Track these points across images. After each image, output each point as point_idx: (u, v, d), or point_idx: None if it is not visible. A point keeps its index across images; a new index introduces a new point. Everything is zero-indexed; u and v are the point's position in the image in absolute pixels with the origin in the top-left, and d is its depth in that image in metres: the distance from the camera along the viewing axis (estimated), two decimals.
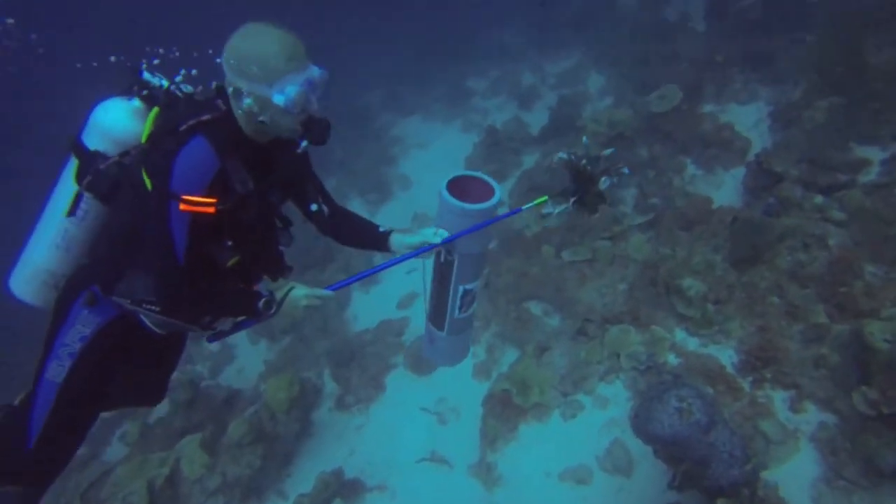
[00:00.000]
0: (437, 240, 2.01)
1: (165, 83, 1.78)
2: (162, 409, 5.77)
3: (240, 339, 6.66)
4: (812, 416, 3.34)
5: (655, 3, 8.89)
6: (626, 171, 2.11)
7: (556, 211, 2.12)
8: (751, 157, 5.26)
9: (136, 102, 1.77)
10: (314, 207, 2.02)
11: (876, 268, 3.74)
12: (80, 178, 1.73)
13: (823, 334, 3.55)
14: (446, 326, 2.35)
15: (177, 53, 1.94)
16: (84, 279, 1.79)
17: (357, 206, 8.13)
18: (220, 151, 1.59)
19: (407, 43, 12.59)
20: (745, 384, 3.61)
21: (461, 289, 2.22)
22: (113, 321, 1.78)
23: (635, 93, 6.92)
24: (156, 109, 1.70)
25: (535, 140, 7.81)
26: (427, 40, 12.02)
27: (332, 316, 6.36)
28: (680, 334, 4.07)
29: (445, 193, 2.02)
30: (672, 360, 3.88)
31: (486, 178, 2.13)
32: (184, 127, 1.57)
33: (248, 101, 1.59)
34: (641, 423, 3.07)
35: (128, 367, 1.91)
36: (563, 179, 2.23)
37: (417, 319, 5.71)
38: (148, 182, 1.54)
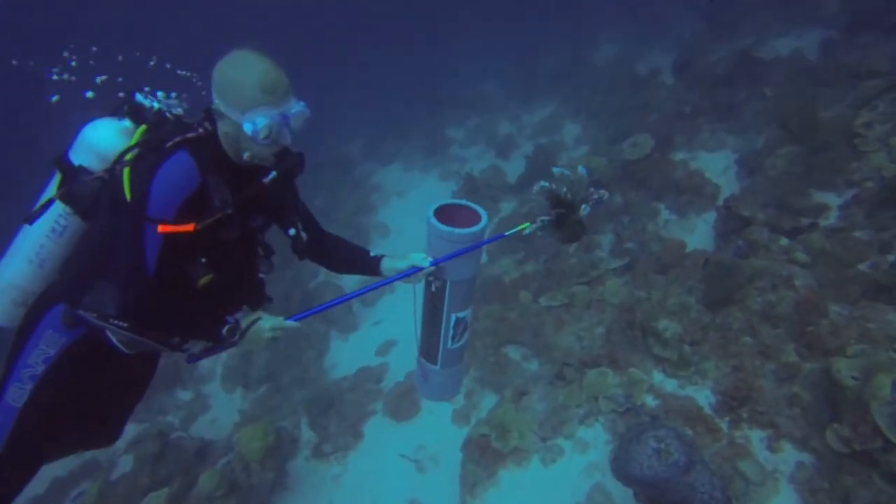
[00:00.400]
0: (426, 264, 2.03)
1: (157, 105, 1.80)
2: (126, 464, 5.54)
3: (214, 388, 6.50)
4: (789, 456, 3.35)
5: (628, 58, 9.39)
6: (604, 195, 2.16)
7: (540, 226, 2.15)
8: (720, 202, 5.46)
9: (126, 122, 1.79)
10: (292, 232, 1.99)
11: (840, 307, 3.85)
12: (60, 193, 1.72)
13: (795, 373, 3.61)
14: (440, 359, 2.32)
15: (197, 82, 1.90)
16: (52, 297, 1.74)
17: None
18: (201, 167, 1.61)
19: (389, 93, 13.01)
20: (723, 425, 3.62)
21: (454, 318, 2.21)
22: (79, 341, 1.72)
23: (609, 142, 7.20)
24: (143, 127, 1.72)
25: (512, 188, 8.02)
26: (409, 90, 12.43)
27: (311, 364, 6.27)
28: (657, 376, 4.09)
29: (433, 220, 2.05)
30: (650, 401, 3.89)
31: (471, 205, 2.18)
32: (169, 143, 1.59)
33: (225, 123, 1.64)
34: (621, 465, 3.04)
35: (91, 396, 1.82)
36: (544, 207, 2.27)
37: (396, 366, 5.67)
38: (128, 192, 1.53)
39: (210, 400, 6.39)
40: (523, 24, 13.13)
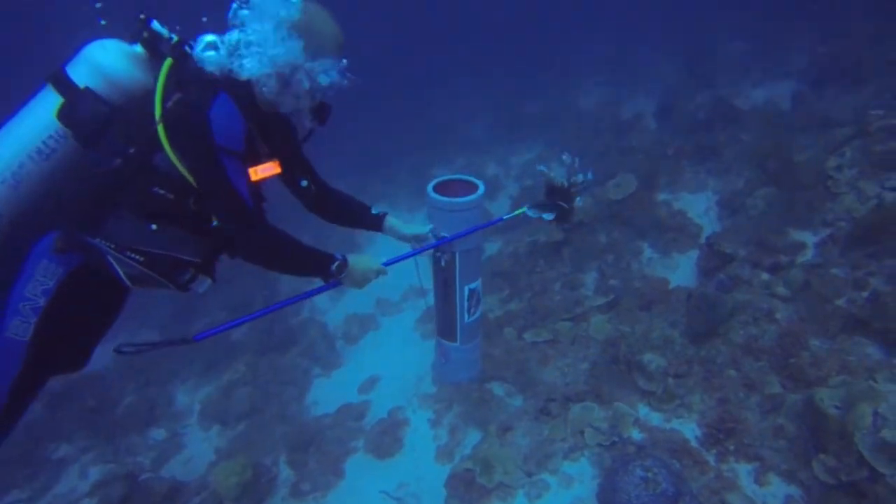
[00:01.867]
0: (427, 231, 2.13)
1: (175, 37, 1.70)
2: None
3: (191, 424, 6.27)
4: (777, 489, 3.29)
5: (611, 103, 9.75)
6: (590, 175, 2.28)
7: (545, 216, 2.24)
8: (702, 240, 5.57)
9: (138, 48, 1.70)
10: (304, 183, 2.10)
11: (820, 341, 3.89)
12: (62, 114, 1.59)
13: (779, 404, 3.60)
14: (459, 335, 2.42)
15: (204, 19, 1.82)
16: (42, 225, 1.63)
17: None
18: (242, 111, 1.61)
19: (375, 134, 13.23)
20: (710, 458, 3.56)
21: (466, 289, 2.32)
22: (77, 271, 1.66)
23: (594, 184, 7.37)
24: (169, 61, 1.63)
25: (498, 229, 8.10)
26: (396, 132, 12.66)
27: (291, 401, 6.10)
28: (643, 410, 4.05)
29: (432, 193, 2.13)
30: (636, 435, 3.83)
31: (468, 177, 2.27)
32: (205, 82, 1.56)
33: (282, 77, 1.65)
34: (607, 497, 2.97)
35: (83, 323, 1.80)
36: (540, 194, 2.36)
37: (378, 403, 5.53)
38: (164, 136, 1.54)
39: (185, 439, 6.14)
40: (509, 70, 13.61)
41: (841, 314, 4.00)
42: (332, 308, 7.66)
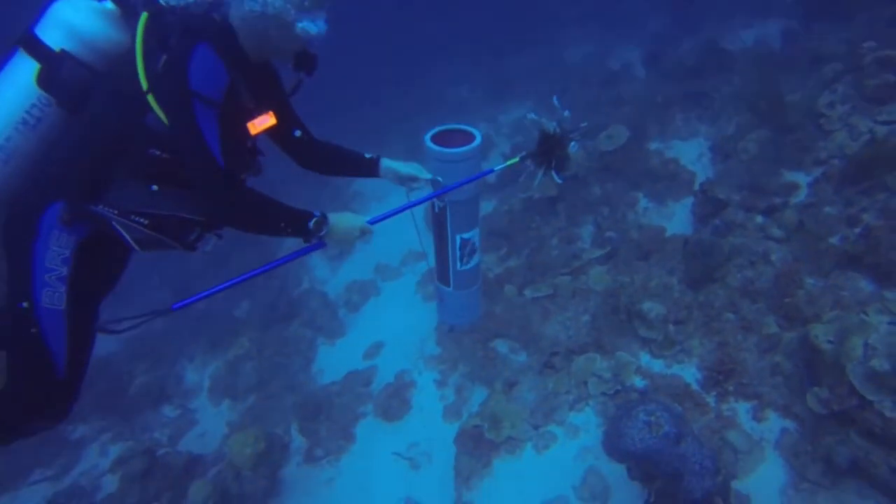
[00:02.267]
0: (427, 175, 2.12)
1: None
2: (111, 485, 5.42)
3: (201, 401, 6.39)
4: (774, 424, 3.42)
5: (598, 55, 9.55)
6: (585, 124, 2.24)
7: (537, 179, 2.21)
8: (696, 187, 5.57)
9: (108, 4, 1.64)
10: (297, 133, 2.06)
11: (815, 279, 3.95)
12: (42, 80, 1.55)
13: (776, 343, 3.69)
14: (451, 281, 2.43)
15: None
16: (45, 196, 1.61)
17: (321, 262, 8.13)
18: (224, 60, 1.56)
19: (364, 100, 12.99)
20: (711, 399, 3.67)
21: (458, 238, 2.31)
22: (89, 238, 1.68)
23: (585, 136, 7.31)
24: (145, 15, 1.56)
25: (492, 187, 8.06)
26: (383, 96, 12.42)
27: (299, 371, 6.21)
28: (644, 357, 4.14)
29: (429, 142, 2.12)
30: (639, 382, 3.93)
31: (466, 127, 2.26)
32: (185, 33, 1.49)
33: (272, 21, 1.62)
34: (612, 442, 3.07)
35: (96, 288, 1.85)
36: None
37: (384, 368, 5.64)
38: (152, 97, 1.51)
39: (197, 414, 6.28)
40: (490, 26, 13.26)
41: (834, 251, 4.04)
42: (333, 277, 7.69)
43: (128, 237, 1.68)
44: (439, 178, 2.18)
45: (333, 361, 6.15)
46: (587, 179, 6.40)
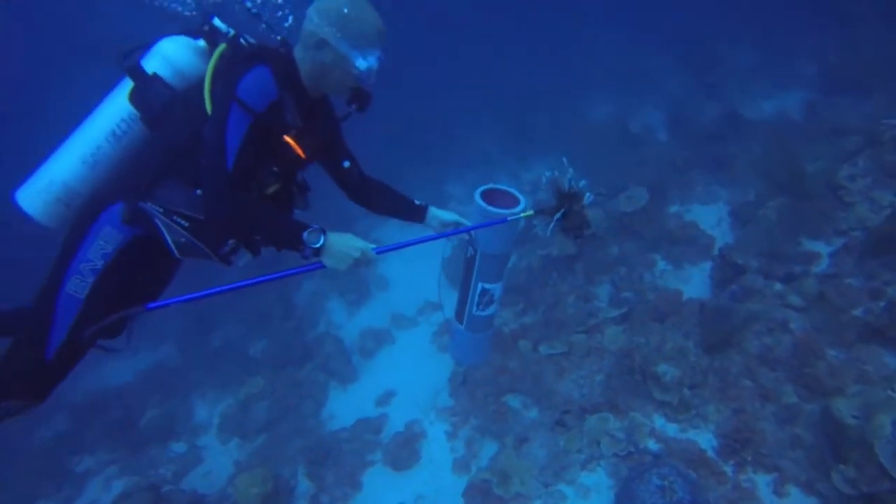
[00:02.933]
0: (467, 222, 2.18)
1: (232, 32, 1.89)
2: None
3: (210, 437, 6.37)
4: (797, 500, 3.29)
5: (620, 115, 9.81)
6: (603, 190, 2.32)
7: (549, 227, 2.28)
8: (715, 251, 5.59)
9: (202, 42, 1.90)
10: (346, 164, 2.15)
11: (836, 350, 3.89)
12: (132, 97, 1.80)
13: (795, 414, 3.61)
14: (465, 322, 2.49)
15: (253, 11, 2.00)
16: (111, 195, 1.80)
17: (338, 306, 8.22)
18: (279, 83, 1.72)
19: (387, 148, 13.34)
20: (728, 468, 3.57)
21: (480, 286, 2.39)
22: (135, 240, 1.81)
23: (605, 197, 7.42)
24: (222, 46, 1.80)
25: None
26: (406, 144, 12.69)
27: (309, 415, 6.18)
28: (659, 420, 4.07)
29: (478, 198, 2.23)
30: (652, 445, 3.85)
31: (515, 192, 2.36)
32: (251, 57, 1.70)
33: (328, 53, 1.77)
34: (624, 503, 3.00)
35: (131, 291, 1.90)
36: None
37: (395, 416, 5.59)
38: (209, 103, 1.67)
39: (204, 452, 6.25)
40: (517, 82, 13.68)
41: (857, 324, 4.00)
42: (349, 322, 7.75)
43: (169, 238, 1.80)
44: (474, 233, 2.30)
45: (344, 407, 6.13)
46: (606, 239, 6.46)
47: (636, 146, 8.41)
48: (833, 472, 3.15)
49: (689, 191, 6.74)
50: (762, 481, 3.46)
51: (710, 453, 3.69)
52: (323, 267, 1.76)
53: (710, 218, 6.24)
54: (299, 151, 1.84)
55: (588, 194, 2.31)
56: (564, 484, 3.87)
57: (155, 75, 1.83)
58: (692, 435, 3.87)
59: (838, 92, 7.25)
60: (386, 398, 5.96)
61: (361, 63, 1.78)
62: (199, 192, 1.75)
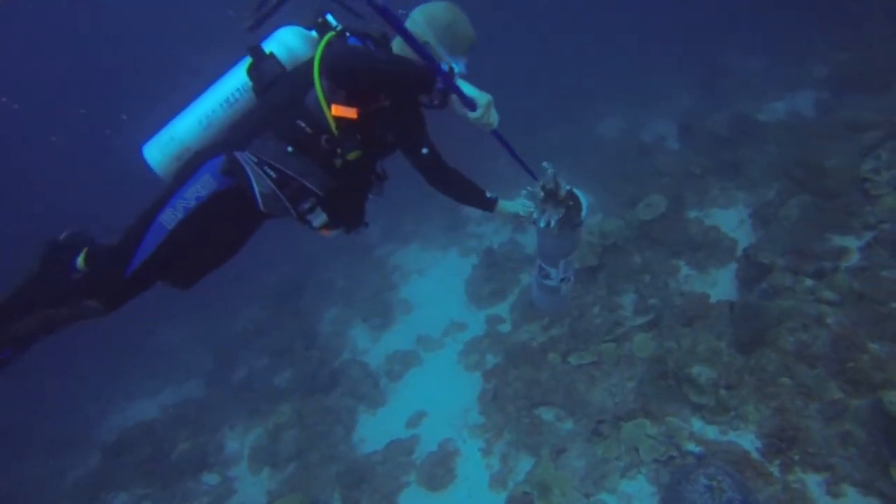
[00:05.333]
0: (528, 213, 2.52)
1: (340, 26, 2.17)
2: None
3: (241, 468, 6.35)
4: (854, 501, 3.17)
5: (631, 128, 9.86)
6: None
7: (554, 219, 2.36)
8: (738, 253, 5.54)
9: (314, 33, 2.17)
10: (425, 151, 2.33)
11: (879, 344, 3.80)
12: (250, 69, 2.09)
13: (842, 410, 3.51)
14: (534, 284, 2.63)
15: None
16: (212, 150, 2.06)
17: (362, 332, 8.24)
18: None
19: (402, 172, 13.51)
20: (774, 469, 3.46)
21: (538, 261, 2.53)
22: (226, 191, 2.02)
23: (622, 207, 7.42)
24: (331, 34, 2.06)
25: (531, 258, 8.16)
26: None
27: (339, 441, 6.15)
28: (697, 423, 3.98)
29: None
30: (693, 448, 3.76)
31: (579, 194, 2.46)
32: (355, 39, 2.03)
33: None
34: None
35: (212, 241, 2.14)
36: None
37: (428, 437, 5.54)
38: (317, 77, 1.94)
39: (236, 483, 6.22)
40: (525, 102, 13.86)
41: None
42: (373, 347, 7.75)
43: (256, 188, 1.98)
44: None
45: (375, 430, 6.09)
46: (627, 248, 6.43)
47: (650, 156, 8.44)
48: (892, 469, 3.04)
49: (707, 196, 6.71)
50: (813, 481, 3.35)
51: (755, 454, 3.60)
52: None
53: (731, 221, 6.20)
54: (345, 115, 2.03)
55: (564, 185, 2.45)
56: (606, 493, 3.79)
57: (271, 54, 2.10)
58: (733, 436, 3.77)
59: (850, 90, 7.23)
60: (416, 419, 5.91)
61: (456, 66, 2.01)
62: (290, 149, 2.00)
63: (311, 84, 1.96)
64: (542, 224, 2.40)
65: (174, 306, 12.40)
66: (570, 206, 2.44)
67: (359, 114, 1.94)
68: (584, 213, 2.42)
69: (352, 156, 2.01)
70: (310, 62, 2.02)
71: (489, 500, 4.29)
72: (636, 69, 12.25)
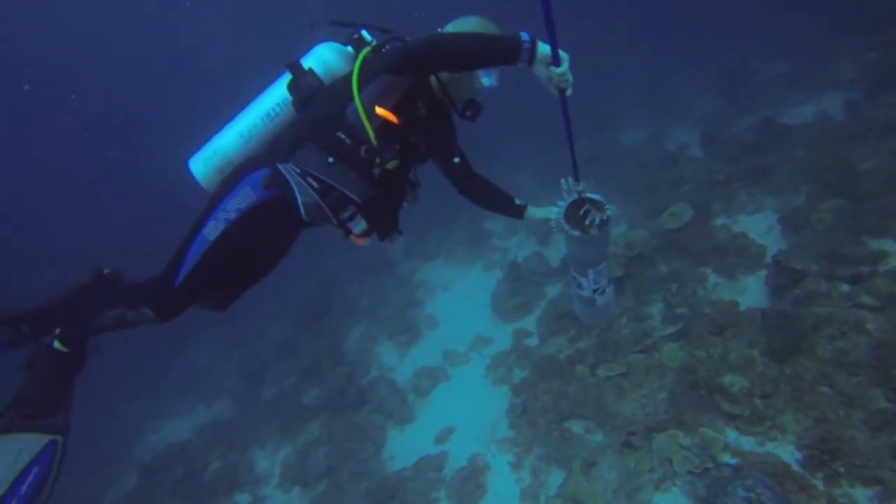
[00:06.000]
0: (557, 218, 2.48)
1: (376, 42, 2.27)
2: None
3: (272, 487, 6.39)
4: None
5: (654, 137, 9.77)
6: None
7: (598, 219, 2.38)
8: (768, 259, 5.41)
9: (350, 48, 2.33)
10: (457, 160, 2.44)
11: None
12: (290, 85, 2.18)
13: (890, 420, 3.36)
14: (574, 295, 2.77)
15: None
16: (257, 162, 2.15)
17: (388, 349, 8.27)
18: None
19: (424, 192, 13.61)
20: (817, 482, 3.33)
21: (572, 269, 2.52)
22: (267, 201, 2.11)
23: (647, 217, 7.34)
24: (367, 49, 2.17)
25: (556, 271, 8.10)
26: (444, 189, 12.92)
27: (369, 458, 6.15)
28: (731, 434, 3.86)
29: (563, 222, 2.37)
30: (729, 460, 3.65)
31: (600, 199, 2.48)
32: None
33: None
34: None
35: (251, 256, 2.24)
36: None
37: (457, 452, 5.50)
38: (356, 87, 2.02)
39: (268, 502, 6.26)
40: (548, 113, 13.88)
41: None
42: (400, 364, 7.77)
43: (299, 198, 2.07)
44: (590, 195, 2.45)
45: (404, 447, 6.08)
46: (653, 258, 6.35)
47: (673, 165, 8.35)
48: None
49: (733, 203, 6.59)
50: (862, 495, 3.20)
51: (795, 466, 3.47)
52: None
53: (759, 227, 6.07)
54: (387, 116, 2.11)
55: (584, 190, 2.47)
56: None
57: (310, 70, 2.21)
58: (771, 448, 3.65)
59: (882, 90, 7.06)
60: (445, 435, 5.89)
61: (486, 80, 2.14)
62: (331, 160, 2.08)
63: (351, 98, 2.03)
64: (568, 229, 2.41)
65: (201, 327, 12.71)
66: (594, 212, 2.45)
67: (398, 121, 2.04)
68: (608, 215, 2.42)
69: (390, 165, 2.08)
70: (348, 77, 2.10)
71: None
72: (657, 77, 12.17)
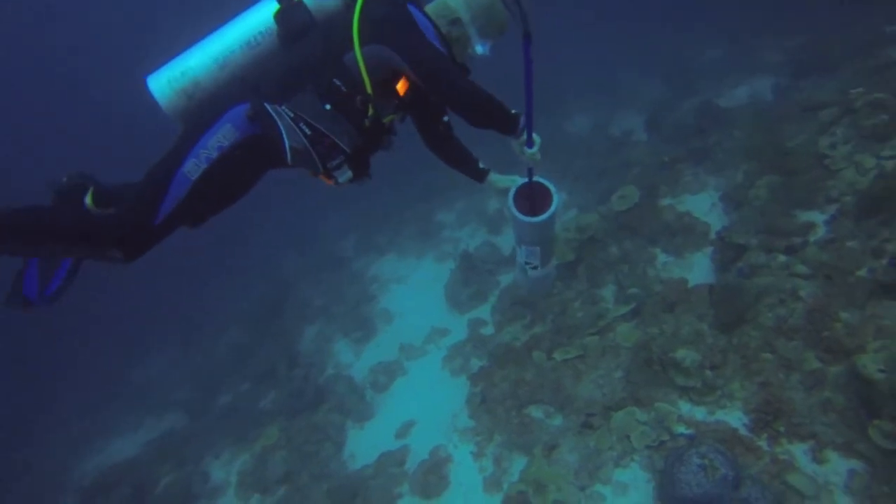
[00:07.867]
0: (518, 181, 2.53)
1: None
2: None
3: (229, 497, 6.17)
4: (838, 465, 3.21)
5: (600, 125, 9.97)
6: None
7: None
8: (713, 236, 5.61)
9: None
10: (446, 118, 2.45)
11: (850, 312, 3.87)
12: (278, 16, 2.05)
13: (822, 379, 3.55)
14: (517, 264, 2.79)
15: None
16: (236, 97, 2.02)
17: (344, 347, 8.12)
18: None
19: (375, 183, 13.40)
20: (763, 443, 3.49)
21: (518, 243, 2.67)
22: (250, 139, 2.02)
23: (597, 201, 7.49)
24: None
25: (508, 260, 8.15)
26: (395, 181, 12.73)
27: (329, 458, 6.02)
28: (685, 406, 3.99)
29: (510, 202, 2.34)
30: (683, 431, 3.76)
31: (549, 185, 2.46)
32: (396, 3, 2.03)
33: (457, 30, 2.15)
34: (667, 492, 2.91)
35: (228, 187, 2.15)
36: None
37: (418, 446, 5.46)
38: (357, 34, 1.95)
39: None
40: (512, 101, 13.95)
41: (865, 283, 3.99)
42: (357, 361, 7.64)
43: (287, 142, 1.95)
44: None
45: (365, 444, 5.98)
46: (605, 241, 6.47)
47: (620, 150, 8.55)
48: (870, 429, 3.09)
49: (678, 183, 6.80)
50: (799, 451, 3.38)
51: (743, 430, 3.62)
52: None
53: (703, 205, 6.29)
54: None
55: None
56: (601, 484, 3.76)
57: (300, 2, 2.08)
58: (721, 415, 3.79)
59: (805, 74, 7.45)
60: (405, 429, 5.83)
61: (479, 48, 2.15)
62: (327, 106, 2.01)
63: (350, 47, 1.97)
64: (511, 206, 2.41)
65: (150, 339, 12.12)
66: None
67: (402, 93, 2.04)
68: (554, 203, 2.41)
69: (387, 119, 2.06)
70: (347, 22, 2.01)
71: (485, 502, 4.23)
72: (600, 64, 12.41)
